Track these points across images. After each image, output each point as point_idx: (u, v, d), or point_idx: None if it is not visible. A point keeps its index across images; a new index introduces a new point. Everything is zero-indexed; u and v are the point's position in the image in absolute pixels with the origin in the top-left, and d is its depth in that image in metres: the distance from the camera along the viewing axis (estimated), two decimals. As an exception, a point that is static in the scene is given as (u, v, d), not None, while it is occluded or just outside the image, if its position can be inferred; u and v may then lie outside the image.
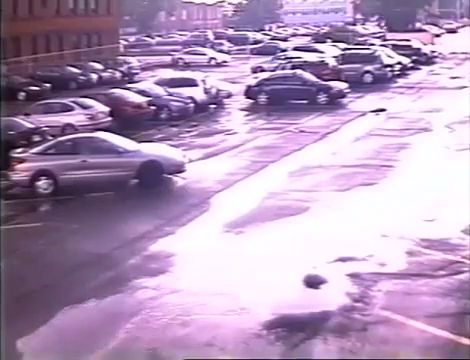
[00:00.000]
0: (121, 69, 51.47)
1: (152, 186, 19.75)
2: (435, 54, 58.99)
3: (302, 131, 28.00)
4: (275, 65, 42.89)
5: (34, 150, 20.46)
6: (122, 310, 11.79)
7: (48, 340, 10.99)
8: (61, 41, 60.45)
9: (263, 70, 44.84)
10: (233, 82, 42.44)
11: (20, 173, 19.93)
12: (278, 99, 34.58)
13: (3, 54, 49.03)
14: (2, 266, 13.99)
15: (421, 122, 29.07)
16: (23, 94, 41.35)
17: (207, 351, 10.21)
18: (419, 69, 50.75)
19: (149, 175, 19.72)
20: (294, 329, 10.68)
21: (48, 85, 42.96)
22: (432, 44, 67.07)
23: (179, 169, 20.41)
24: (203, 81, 34.90)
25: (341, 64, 41.93)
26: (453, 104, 33.45)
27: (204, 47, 67.33)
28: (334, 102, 34.70)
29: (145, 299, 12.19)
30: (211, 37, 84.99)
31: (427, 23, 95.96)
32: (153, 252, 14.70)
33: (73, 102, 29.21)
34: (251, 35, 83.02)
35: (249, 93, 36.36)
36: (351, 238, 14.79)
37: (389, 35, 70.57)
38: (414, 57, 52.12)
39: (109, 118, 28.57)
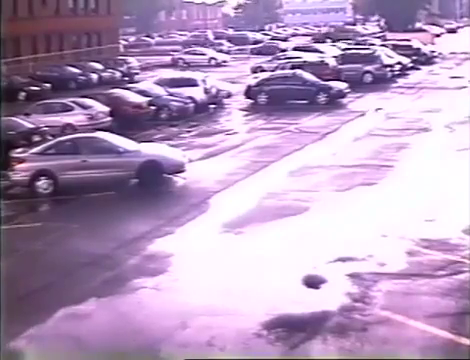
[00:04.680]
0: (121, 69, 51.48)
1: (152, 186, 19.75)
2: (435, 54, 59.03)
3: (302, 131, 28.01)
4: (275, 65, 42.89)
5: (34, 150, 20.46)
6: (121, 309, 11.80)
7: (48, 339, 10.99)
8: (61, 41, 60.49)
9: (263, 70, 44.85)
10: (233, 82, 42.46)
11: (20, 173, 19.93)
12: (278, 99, 34.58)
13: (3, 54, 49.05)
14: (2, 266, 13.99)
15: (421, 122, 29.07)
16: (23, 94, 41.36)
17: (207, 351, 10.21)
18: (419, 69, 50.77)
19: (149, 175, 19.72)
20: (294, 329, 10.68)
21: (48, 85, 42.98)
22: (432, 44, 67.12)
23: (179, 169, 20.41)
24: (203, 81, 34.90)
25: (341, 64, 41.94)
26: (453, 104, 33.45)
27: (204, 47, 67.36)
28: (334, 102, 34.71)
29: (144, 299, 12.20)
30: (211, 37, 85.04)
31: (427, 23, 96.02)
32: (152, 252, 14.70)
33: (73, 102, 29.23)
34: (251, 35, 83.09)
35: (249, 93, 36.36)
36: (351, 238, 14.78)
37: (389, 35, 70.62)
38: (414, 57, 52.14)
39: (109, 118, 28.58)
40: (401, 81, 44.20)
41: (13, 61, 50.85)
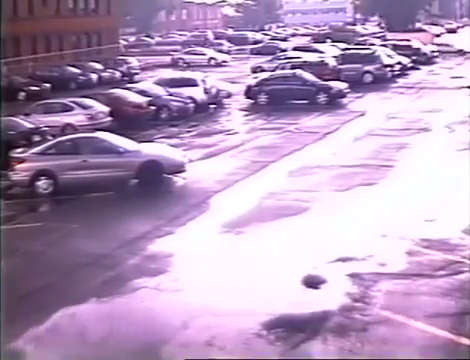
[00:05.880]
0: (121, 69, 51.48)
1: (152, 186, 19.75)
2: (435, 54, 59.05)
3: (302, 131, 28.01)
4: (275, 65, 42.87)
5: (34, 150, 20.47)
6: (122, 310, 11.81)
7: (48, 339, 10.99)
8: (61, 41, 60.48)
9: (263, 70, 44.87)
10: (233, 82, 42.46)
11: (20, 173, 19.93)
12: (278, 99, 34.59)
13: (3, 54, 49.05)
14: (2, 266, 13.99)
15: (421, 122, 29.08)
16: (23, 94, 41.36)
17: (207, 351, 10.21)
18: (419, 69, 50.78)
19: (149, 175, 19.73)
20: (294, 329, 10.68)
21: (48, 85, 42.99)
22: (432, 44, 67.07)
23: (179, 169, 20.42)
24: (203, 81, 34.91)
25: (341, 64, 41.92)
26: (453, 104, 33.44)
27: (204, 47, 67.35)
28: (334, 102, 34.72)
29: (145, 299, 12.20)
30: (211, 37, 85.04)
31: (427, 23, 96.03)
32: (153, 252, 14.70)
33: (73, 102, 29.23)
34: (251, 35, 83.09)
35: (249, 93, 36.36)
36: (351, 238, 14.78)
37: (389, 35, 70.62)
38: (414, 57, 52.16)
39: (109, 118, 28.59)
40: (401, 81, 44.20)
41: (13, 61, 50.84)
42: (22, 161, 20.04)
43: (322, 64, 40.60)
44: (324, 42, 63.25)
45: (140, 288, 12.67)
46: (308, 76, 35.95)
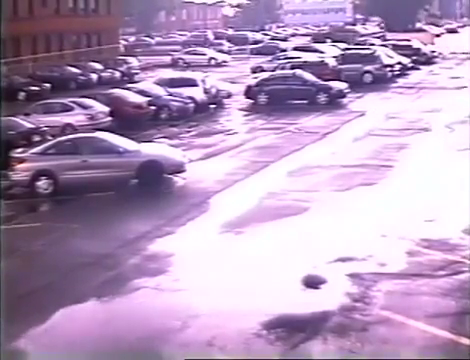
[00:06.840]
0: (121, 69, 51.50)
1: (152, 186, 19.76)
2: (435, 54, 59.09)
3: (302, 131, 28.01)
4: (275, 65, 42.91)
5: (34, 150, 20.47)
6: (122, 309, 11.81)
7: (48, 339, 10.99)
8: (61, 41, 60.49)
9: (263, 70, 44.88)
10: (233, 82, 42.48)
11: (20, 173, 19.94)
12: (278, 99, 34.60)
13: (3, 54, 49.05)
14: (2, 266, 13.99)
15: (421, 122, 29.08)
16: (23, 94, 41.39)
17: (207, 351, 10.21)
18: (419, 69, 50.80)
19: (149, 175, 19.73)
20: (294, 329, 10.68)
21: (48, 85, 43.02)
22: (432, 44, 67.12)
23: (179, 169, 20.42)
24: (203, 81, 34.93)
25: (341, 64, 41.95)
26: (453, 104, 33.44)
27: (204, 47, 67.37)
28: (334, 102, 34.73)
29: (145, 299, 12.20)
30: (211, 37, 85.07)
31: (427, 23, 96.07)
32: (153, 252, 14.71)
33: (73, 102, 29.25)
34: (251, 35, 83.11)
35: (249, 93, 36.37)
36: (351, 238, 14.79)
37: (389, 35, 70.66)
38: (414, 57, 52.19)
39: (109, 118, 28.59)
40: (401, 81, 44.22)
41: (13, 61, 50.84)
42: (22, 161, 20.04)
43: (322, 64, 40.62)
44: (324, 42, 63.28)
45: (140, 288, 12.67)
46: (308, 76, 35.96)
